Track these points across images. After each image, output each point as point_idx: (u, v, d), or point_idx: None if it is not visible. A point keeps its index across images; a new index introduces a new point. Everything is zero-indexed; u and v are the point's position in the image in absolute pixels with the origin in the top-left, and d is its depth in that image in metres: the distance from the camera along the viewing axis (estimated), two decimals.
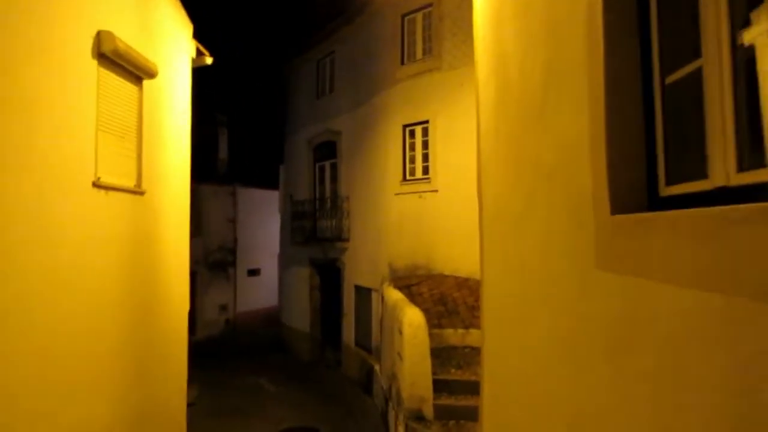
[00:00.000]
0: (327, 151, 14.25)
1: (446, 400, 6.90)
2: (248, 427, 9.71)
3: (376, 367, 10.31)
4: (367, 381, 11.18)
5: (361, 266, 12.35)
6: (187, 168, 7.29)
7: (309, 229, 14.29)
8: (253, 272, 21.82)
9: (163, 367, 6.37)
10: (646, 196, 1.83)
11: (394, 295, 8.84)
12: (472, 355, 8.36)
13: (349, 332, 12.92)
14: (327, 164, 14.30)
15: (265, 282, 21.92)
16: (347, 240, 12.95)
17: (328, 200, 13.83)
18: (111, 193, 5.19)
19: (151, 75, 5.91)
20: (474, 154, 6.46)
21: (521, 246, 3.32)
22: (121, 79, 5.41)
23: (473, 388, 7.02)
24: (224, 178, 20.41)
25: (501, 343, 4.15)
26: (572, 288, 2.23)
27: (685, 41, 1.62)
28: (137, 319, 5.66)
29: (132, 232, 5.67)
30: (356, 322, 12.65)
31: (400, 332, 7.21)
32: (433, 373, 7.02)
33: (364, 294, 12.23)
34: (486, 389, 4.78)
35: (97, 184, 4.90)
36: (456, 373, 7.47)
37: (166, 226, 6.55)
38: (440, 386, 7.07)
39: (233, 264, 20.71)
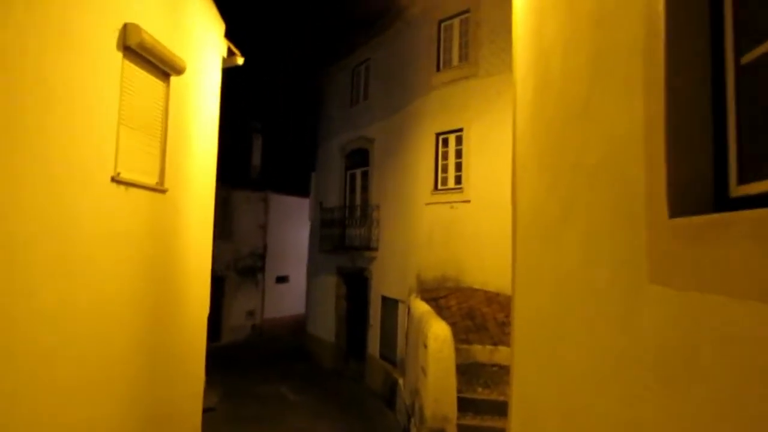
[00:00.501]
0: (359, 158, 14.09)
1: (471, 420, 6.54)
2: None
3: (400, 381, 9.99)
4: (390, 395, 10.86)
5: (389, 277, 12.08)
6: (213, 169, 7.17)
7: (338, 237, 14.11)
8: (282, 279, 21.77)
9: (179, 370, 6.21)
10: (712, 196, 1.52)
11: (421, 307, 8.53)
12: (500, 374, 7.98)
13: (374, 344, 12.63)
14: (358, 172, 14.13)
15: (293, 289, 21.84)
16: (376, 249, 12.70)
17: (358, 208, 13.64)
18: (131, 190, 5.07)
19: (179, 71, 5.80)
20: (509, 163, 6.17)
21: (558, 256, 3.00)
22: (147, 74, 5.31)
23: (500, 409, 6.64)
24: (257, 185, 20.48)
25: (533, 362, 3.82)
26: (619, 304, 1.91)
27: (765, 15, 1.33)
28: (153, 320, 5.52)
29: (151, 230, 5.55)
30: (382, 333, 12.36)
31: (425, 346, 6.91)
32: (459, 391, 6.69)
33: (390, 305, 11.94)
34: (514, 412, 4.45)
35: (116, 180, 4.78)
36: (482, 392, 7.10)
37: (189, 227, 6.42)
38: (465, 405, 6.72)
39: (262, 270, 20.70)
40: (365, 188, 13.64)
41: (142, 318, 5.32)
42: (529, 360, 4.00)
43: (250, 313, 20.27)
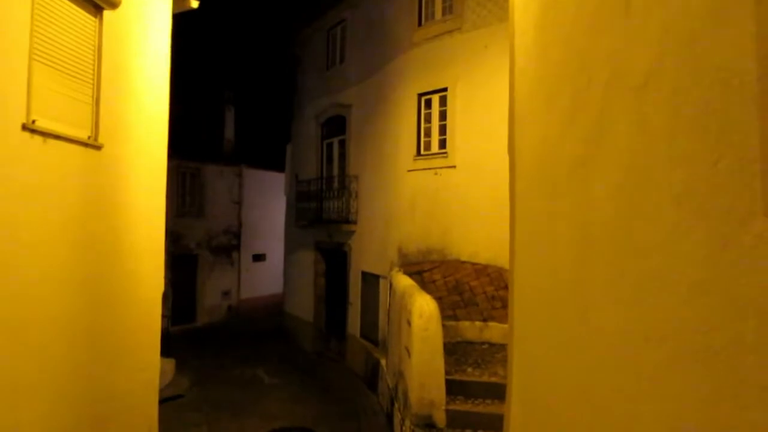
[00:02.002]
0: (335, 126, 13.19)
1: (461, 405, 5.84)
2: (236, 423, 8.74)
3: (383, 362, 9.29)
4: (372, 376, 10.17)
5: (369, 251, 11.31)
6: (164, 129, 6.26)
7: (314, 211, 13.25)
8: (259, 257, 20.90)
9: (126, 358, 5.39)
10: None
11: (404, 281, 7.78)
12: (491, 352, 7.30)
13: (354, 323, 11.90)
14: (335, 141, 13.23)
15: (270, 268, 20.98)
16: (355, 222, 11.90)
17: (336, 179, 12.78)
18: (52, 142, 4.18)
19: (113, 4, 4.87)
20: (500, 122, 5.39)
21: (577, 208, 2.27)
22: (70, 2, 4.39)
23: (494, 392, 5.96)
24: (230, 158, 19.46)
25: (540, 341, 3.10)
26: (698, 257, 1.17)
27: None
28: (88, 300, 4.67)
29: (84, 193, 4.66)
30: (362, 311, 11.62)
31: (409, 323, 6.17)
32: (446, 373, 5.97)
33: (371, 281, 11.19)
34: (515, 396, 3.74)
35: (29, 128, 3.88)
36: (473, 373, 6.40)
37: (134, 193, 5.53)
38: (454, 388, 6.02)
39: (237, 248, 19.80)
40: (343, 158, 12.76)
41: (72, 299, 4.46)
42: (534, 338, 3.28)
43: (226, 294, 19.43)
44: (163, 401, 10.35)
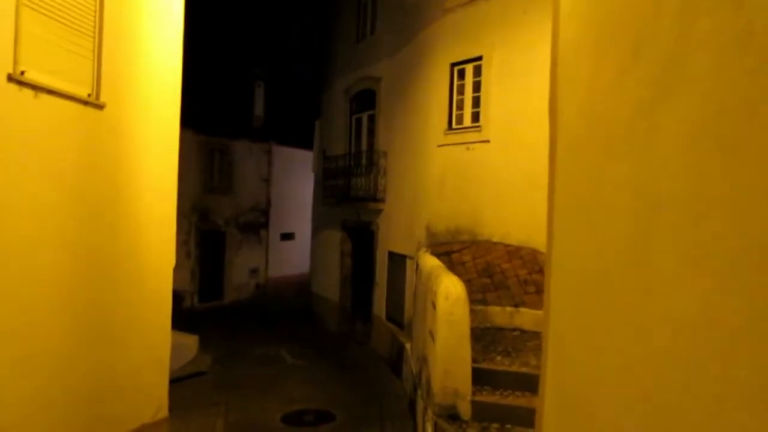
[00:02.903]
0: (365, 101, 12.69)
1: (488, 397, 5.37)
2: (255, 404, 8.48)
3: (407, 346, 8.88)
4: (397, 360, 9.78)
5: (397, 230, 10.86)
6: (177, 90, 5.89)
7: (342, 188, 12.84)
8: (287, 236, 20.69)
9: (133, 334, 5.10)
10: None
11: (431, 261, 7.31)
12: (522, 340, 6.80)
13: (380, 304, 11.51)
14: (364, 116, 12.75)
15: (299, 247, 20.75)
16: (383, 201, 11.44)
17: (364, 155, 12.32)
18: (45, 98, 3.83)
19: None
20: (539, 90, 4.82)
21: (639, 169, 1.76)
22: None
23: (525, 383, 5.46)
24: (259, 135, 19.17)
25: (581, 331, 2.62)
26: None
27: None
28: (86, 271, 4.36)
29: (83, 155, 4.33)
30: (389, 293, 11.22)
31: (434, 306, 5.71)
32: (473, 360, 5.50)
33: (398, 261, 10.76)
34: (549, 391, 3.26)
35: (17, 79, 3.53)
36: (502, 361, 5.91)
37: (142, 157, 5.19)
38: (481, 377, 5.55)
39: (266, 226, 19.61)
40: (372, 133, 12.28)
41: (69, 268, 4.16)
42: (575, 327, 2.79)
43: (254, 272, 19.30)
44: (184, 378, 10.22)
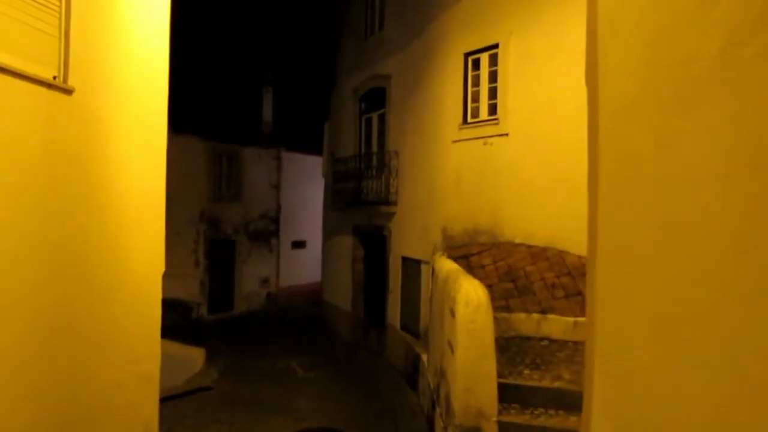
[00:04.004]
0: (375, 100, 12.13)
1: (517, 417, 4.72)
2: (261, 422, 7.89)
3: (424, 357, 8.23)
4: (412, 372, 9.13)
5: (410, 234, 10.24)
6: (164, 79, 5.33)
7: (352, 192, 12.26)
8: (299, 244, 20.14)
9: (113, 346, 4.54)
10: None
11: (447, 265, 6.69)
12: (551, 350, 6.13)
13: (394, 312, 10.88)
14: (374, 116, 12.19)
15: (311, 255, 20.16)
16: (395, 204, 10.84)
17: (374, 156, 11.74)
18: (3, 77, 3.30)
19: None
20: (563, 76, 4.24)
21: (738, 111, 1.13)
22: None
23: (559, 400, 4.79)
24: (268, 141, 18.71)
25: (648, 345, 1.96)
26: None
27: None
28: (51, 277, 3.80)
29: (49, 146, 3.79)
30: (403, 301, 10.59)
31: (453, 313, 5.08)
32: (498, 375, 4.86)
33: (412, 267, 10.13)
34: (599, 411, 2.62)
35: None
36: (531, 375, 5.26)
37: (123, 152, 4.64)
38: (508, 394, 4.90)
39: (276, 234, 19.10)
40: (382, 134, 11.71)
41: (31, 272, 3.60)
42: (633, 336, 2.15)
43: (265, 281, 18.77)
44: (187, 393, 9.67)
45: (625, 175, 2.33)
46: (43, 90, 3.70)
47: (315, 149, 18.39)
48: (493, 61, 8.09)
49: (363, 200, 11.86)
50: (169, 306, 14.58)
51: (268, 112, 19.10)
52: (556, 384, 4.94)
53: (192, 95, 15.93)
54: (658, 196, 1.76)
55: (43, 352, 3.70)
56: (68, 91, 3.93)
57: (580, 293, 6.55)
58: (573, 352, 6.00)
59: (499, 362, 5.07)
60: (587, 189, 2.80)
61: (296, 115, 19.35)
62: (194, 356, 11.34)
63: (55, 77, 3.84)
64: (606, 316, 2.53)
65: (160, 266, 5.25)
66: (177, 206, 15.38)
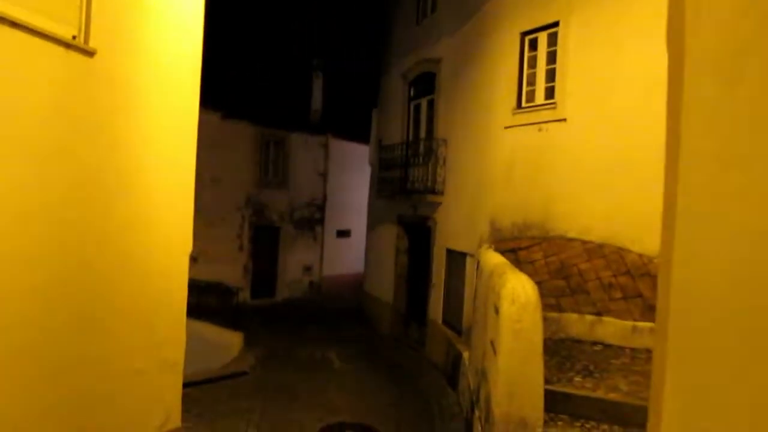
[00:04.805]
0: (424, 85, 11.66)
1: (565, 430, 4.21)
2: (293, 411, 7.63)
3: (465, 356, 7.76)
4: (453, 370, 8.67)
5: (457, 225, 9.75)
6: (197, 49, 5.06)
7: (398, 180, 11.84)
8: (343, 233, 19.92)
9: (134, 329, 4.31)
10: None
11: (494, 258, 6.19)
12: (605, 357, 5.56)
13: (436, 307, 10.43)
14: (423, 102, 11.72)
15: (355, 245, 19.91)
16: (441, 193, 10.36)
17: (422, 143, 11.28)
18: (9, 32, 3.06)
19: None
20: (630, 60, 3.69)
21: None
22: None
23: (614, 413, 4.24)
24: (316, 127, 18.51)
25: (735, 354, 1.43)
26: None
27: None
28: (68, 254, 3.57)
29: (67, 111, 3.55)
30: (446, 295, 10.12)
31: (497, 311, 4.60)
32: (545, 381, 4.36)
33: (457, 260, 9.65)
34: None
35: None
36: (582, 383, 4.72)
37: (148, 119, 4.39)
38: (556, 403, 4.40)
39: (321, 222, 18.92)
40: (431, 121, 11.23)
41: (49, 249, 3.38)
42: (720, 351, 1.65)
43: (308, 269, 18.63)
44: (222, 378, 9.54)
45: (714, 154, 1.83)
46: (60, 50, 3.46)
47: (362, 137, 18.07)
48: (552, 40, 7.48)
49: (409, 189, 11.43)
50: (211, 289, 14.66)
51: (317, 98, 18.89)
52: (612, 395, 4.39)
53: (243, 81, 15.91)
54: (755, 180, 1.29)
55: (59, 333, 3.49)
56: (89, 53, 3.69)
57: (640, 295, 5.93)
58: (630, 359, 5.41)
59: (546, 367, 4.56)
60: (664, 172, 2.29)
61: (345, 102, 19.07)
62: (232, 341, 11.24)
63: (74, 37, 3.59)
64: (682, 321, 2.04)
65: (187, 246, 5.01)
66: (224, 191, 15.42)
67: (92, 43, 3.69)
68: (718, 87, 1.89)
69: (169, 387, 4.86)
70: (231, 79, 15.27)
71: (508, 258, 6.69)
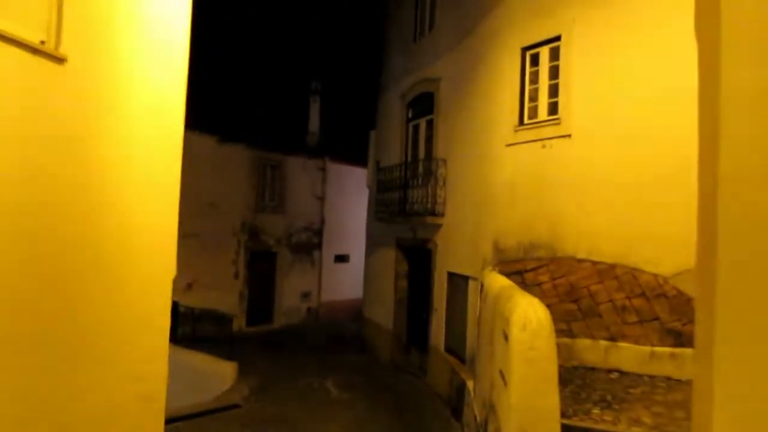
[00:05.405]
0: (423, 105, 11.43)
1: None
2: None
3: (469, 385, 7.34)
4: (457, 401, 8.23)
5: (458, 248, 9.40)
6: (183, 64, 4.77)
7: (397, 202, 11.53)
8: (342, 258, 19.52)
9: (108, 360, 3.92)
10: None
11: (499, 281, 5.84)
12: (623, 385, 5.15)
13: (438, 333, 10.01)
14: (422, 122, 11.48)
15: (354, 270, 19.49)
16: (441, 215, 10.04)
17: (421, 164, 11.00)
18: None
19: None
20: (635, 69, 3.59)
21: None
22: None
23: None
24: (314, 151, 18.29)
25: None
26: None
27: None
28: (40, 286, 3.22)
29: (35, 122, 3.23)
30: (448, 320, 9.72)
31: (506, 337, 4.23)
32: (561, 414, 3.96)
33: (459, 284, 9.28)
34: None
35: None
36: (602, 416, 4.32)
37: (127, 137, 4.08)
38: None
39: (319, 247, 18.56)
40: (429, 141, 10.98)
41: (13, 269, 3.03)
42: None
43: (306, 295, 18.21)
44: (214, 411, 9.08)
45: (758, 144, 1.56)
46: (26, 55, 3.15)
47: (360, 160, 17.83)
48: (554, 55, 7.24)
49: (408, 211, 11.10)
50: (207, 317, 14.19)
51: (314, 121, 18.72)
52: (635, 430, 4.00)
53: (239, 105, 15.73)
54: None
55: (27, 364, 3.11)
56: (60, 60, 3.38)
57: (657, 318, 5.55)
58: (650, 388, 5.02)
59: (560, 398, 4.18)
60: (698, 181, 1.98)
61: (342, 125, 18.90)
62: (226, 371, 10.79)
63: (43, 42, 3.29)
64: (732, 347, 1.72)
65: (170, 270, 4.64)
66: (220, 215, 15.08)
67: (63, 50, 3.39)
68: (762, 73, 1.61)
69: (149, 422, 4.45)
70: (227, 102, 15.11)
71: (513, 280, 6.34)
